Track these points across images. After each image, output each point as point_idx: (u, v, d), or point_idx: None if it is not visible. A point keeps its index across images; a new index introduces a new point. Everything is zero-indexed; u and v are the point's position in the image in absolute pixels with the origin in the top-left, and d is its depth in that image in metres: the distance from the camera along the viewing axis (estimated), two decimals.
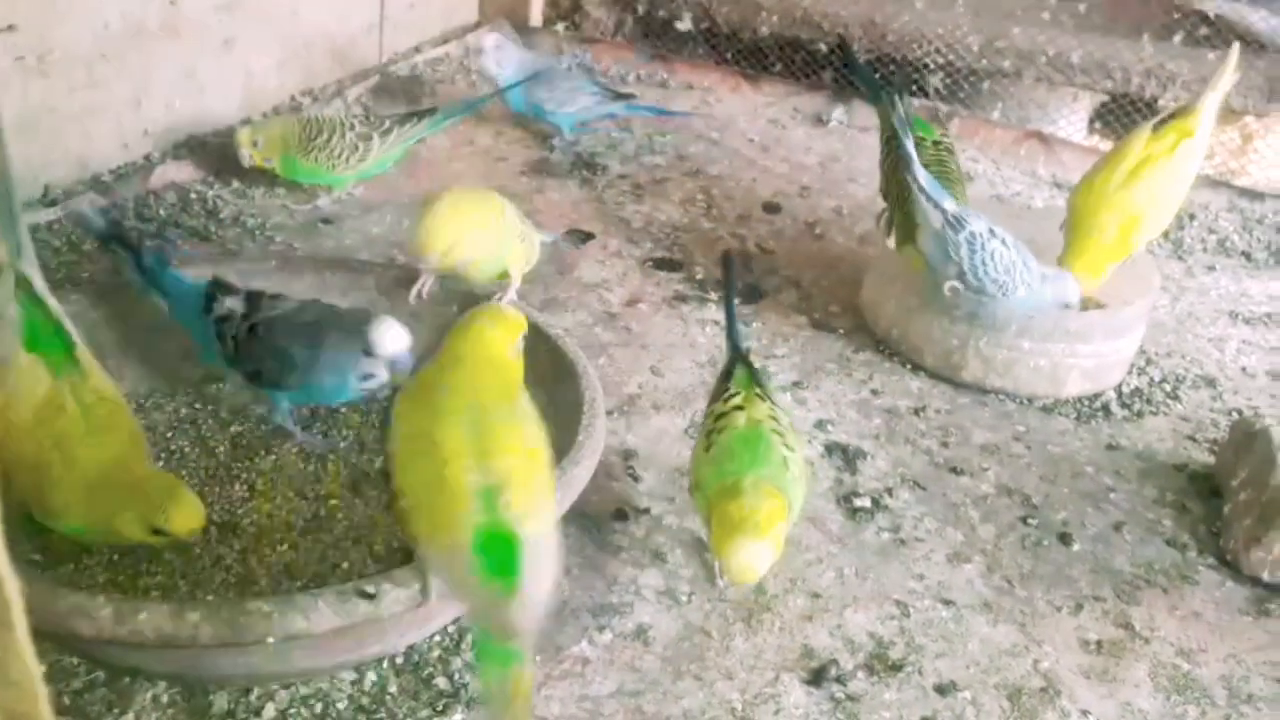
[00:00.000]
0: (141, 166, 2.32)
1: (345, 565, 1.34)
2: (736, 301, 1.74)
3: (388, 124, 2.29)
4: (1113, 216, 1.92)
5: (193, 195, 2.28)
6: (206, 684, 1.20)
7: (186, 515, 1.22)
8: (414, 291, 1.69)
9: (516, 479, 1.08)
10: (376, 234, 2.23)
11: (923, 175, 1.87)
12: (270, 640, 1.07)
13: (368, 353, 1.43)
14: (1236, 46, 2.03)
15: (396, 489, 1.13)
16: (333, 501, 1.43)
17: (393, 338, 1.44)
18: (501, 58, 2.65)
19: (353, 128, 2.26)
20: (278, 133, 2.27)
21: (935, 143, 2.14)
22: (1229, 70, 1.97)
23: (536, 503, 1.09)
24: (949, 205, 1.86)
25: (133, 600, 1.06)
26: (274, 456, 1.51)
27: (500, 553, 1.05)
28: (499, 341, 1.18)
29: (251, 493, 1.43)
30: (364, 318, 1.46)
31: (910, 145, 1.87)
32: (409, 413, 1.16)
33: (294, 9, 2.69)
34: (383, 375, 1.45)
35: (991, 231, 1.84)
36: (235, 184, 2.34)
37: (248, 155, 2.25)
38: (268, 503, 1.42)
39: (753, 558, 1.26)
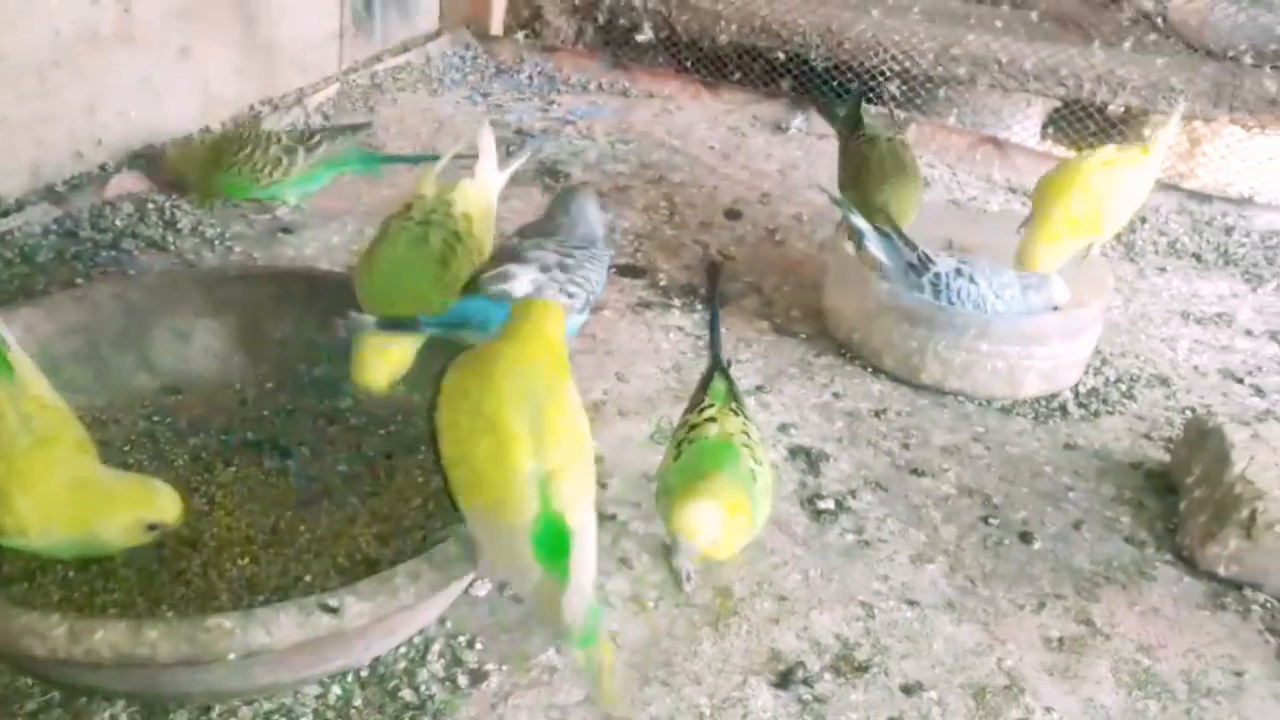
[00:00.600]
0: (96, 176, 2.28)
1: (308, 578, 1.32)
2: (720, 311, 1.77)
3: (317, 138, 2.22)
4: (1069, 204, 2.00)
5: (150, 205, 2.25)
6: (166, 702, 1.18)
7: (175, 504, 1.22)
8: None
9: (567, 466, 1.11)
10: (337, 243, 2.21)
11: (874, 245, 1.92)
12: (231, 656, 1.05)
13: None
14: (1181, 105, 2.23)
15: (448, 460, 1.15)
16: (292, 514, 1.42)
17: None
18: None
19: (278, 140, 2.18)
20: (183, 154, 2.24)
21: (888, 139, 2.18)
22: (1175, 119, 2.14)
23: (583, 490, 1.13)
24: (914, 251, 1.91)
25: (88, 619, 1.04)
26: (233, 469, 1.48)
27: (554, 542, 1.08)
28: (554, 326, 1.21)
29: (211, 506, 1.41)
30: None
31: (861, 222, 1.93)
32: (465, 388, 1.17)
33: (252, 17, 2.66)
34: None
35: (958, 271, 1.88)
36: (193, 194, 2.31)
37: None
38: (228, 516, 1.40)
39: (704, 515, 1.26)
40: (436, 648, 1.30)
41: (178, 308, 1.64)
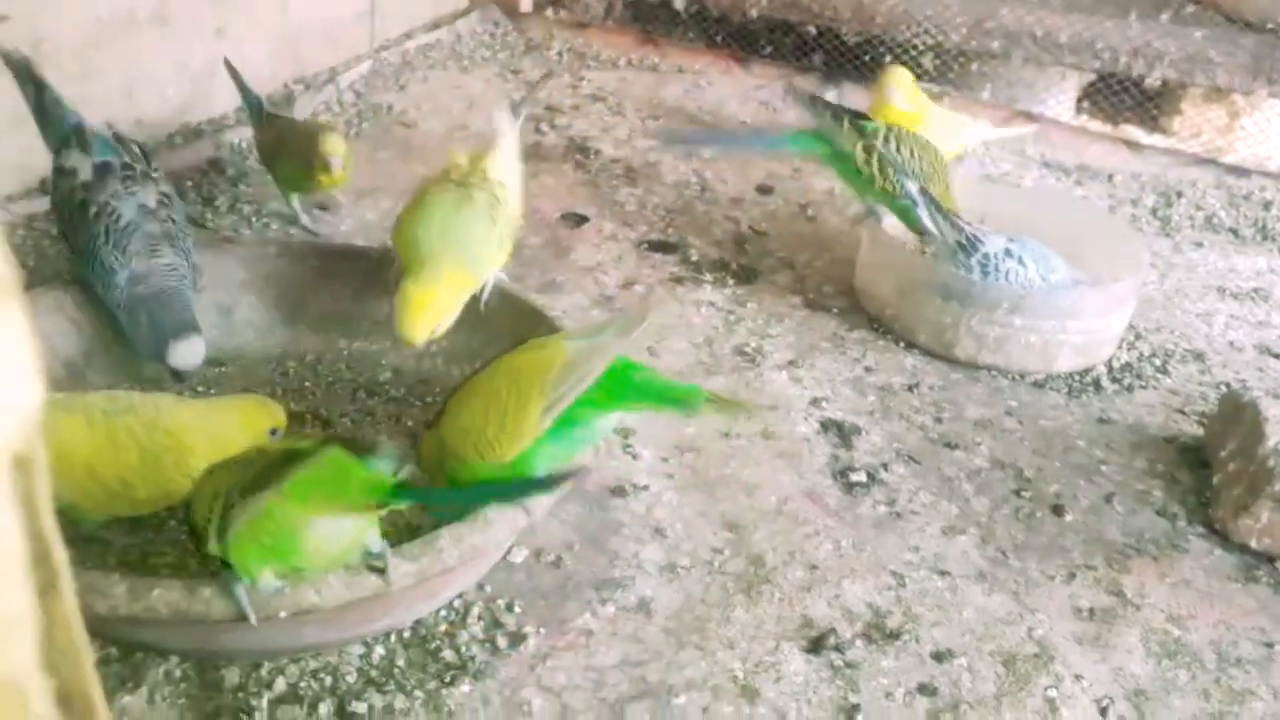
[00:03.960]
0: None
1: None
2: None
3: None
4: None
5: (188, 183, 2.28)
6: (217, 658, 1.22)
7: (280, 410, 1.35)
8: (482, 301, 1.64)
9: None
10: (371, 220, 2.24)
11: (926, 214, 1.93)
12: (282, 615, 1.09)
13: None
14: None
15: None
16: None
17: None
18: None
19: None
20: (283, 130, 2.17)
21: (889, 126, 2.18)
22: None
23: None
24: (961, 232, 1.92)
25: (147, 578, 1.08)
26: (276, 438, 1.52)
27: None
28: None
29: None
30: None
31: (913, 187, 1.94)
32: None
33: None
34: None
35: (1008, 252, 1.89)
36: (230, 171, 2.35)
37: (339, 164, 2.05)
38: None
39: None
40: (476, 611, 1.33)
41: (220, 282, 1.68)
